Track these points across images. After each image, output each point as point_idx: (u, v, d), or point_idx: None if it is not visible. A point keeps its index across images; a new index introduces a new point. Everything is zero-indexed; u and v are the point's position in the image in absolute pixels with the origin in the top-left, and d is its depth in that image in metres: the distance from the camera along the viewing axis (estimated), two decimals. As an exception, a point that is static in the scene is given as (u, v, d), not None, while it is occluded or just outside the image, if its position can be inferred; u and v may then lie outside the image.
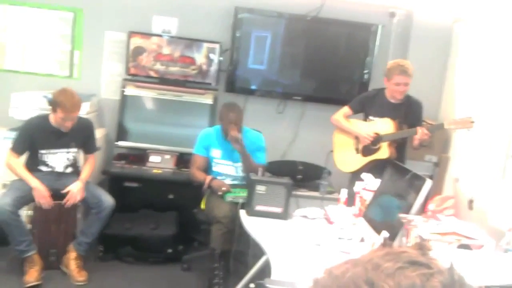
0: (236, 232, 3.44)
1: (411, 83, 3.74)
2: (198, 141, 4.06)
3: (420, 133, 3.53)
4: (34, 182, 3.70)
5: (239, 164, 3.99)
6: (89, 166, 3.97)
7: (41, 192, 3.70)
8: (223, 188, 3.77)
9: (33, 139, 3.76)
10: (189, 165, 4.55)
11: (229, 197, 3.68)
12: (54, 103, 3.66)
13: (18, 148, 3.76)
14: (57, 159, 3.86)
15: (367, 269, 0.68)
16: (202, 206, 3.98)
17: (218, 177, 3.97)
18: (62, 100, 3.62)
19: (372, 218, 2.88)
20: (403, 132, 3.68)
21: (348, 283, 0.68)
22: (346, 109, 4.01)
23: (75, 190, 3.77)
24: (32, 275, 3.63)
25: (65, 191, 3.77)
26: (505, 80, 3.63)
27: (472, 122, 3.28)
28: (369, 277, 0.67)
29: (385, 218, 2.78)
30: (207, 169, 4.03)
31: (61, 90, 3.70)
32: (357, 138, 3.93)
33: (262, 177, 3.42)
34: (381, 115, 3.80)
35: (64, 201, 3.76)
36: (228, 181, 3.98)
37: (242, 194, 3.56)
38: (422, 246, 0.73)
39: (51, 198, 3.73)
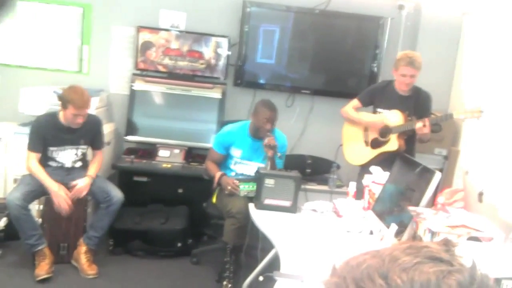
0: (248, 226, 3.43)
1: (420, 76, 3.72)
2: (218, 138, 3.99)
3: (419, 126, 3.51)
4: (54, 186, 3.72)
5: (259, 164, 3.89)
6: (97, 163, 3.99)
7: (61, 197, 3.72)
8: (229, 187, 3.69)
9: (44, 136, 3.79)
10: (198, 159, 4.58)
11: (243, 192, 3.64)
12: (65, 100, 3.68)
13: (34, 146, 3.78)
14: (66, 155, 3.88)
15: (384, 261, 0.67)
16: (214, 199, 3.96)
17: (233, 174, 3.92)
18: (73, 98, 3.64)
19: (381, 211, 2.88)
20: (410, 124, 3.66)
21: (363, 274, 0.67)
22: (355, 102, 3.99)
23: (82, 185, 3.80)
24: (43, 268, 3.66)
25: (73, 183, 3.80)
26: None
27: (481, 111, 3.28)
28: (384, 270, 0.66)
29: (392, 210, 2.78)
30: (221, 163, 3.98)
31: (71, 88, 3.73)
32: (366, 129, 3.92)
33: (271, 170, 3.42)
34: (390, 107, 3.78)
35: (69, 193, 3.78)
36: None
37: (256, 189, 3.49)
38: (447, 242, 0.71)
39: (71, 205, 3.75)
